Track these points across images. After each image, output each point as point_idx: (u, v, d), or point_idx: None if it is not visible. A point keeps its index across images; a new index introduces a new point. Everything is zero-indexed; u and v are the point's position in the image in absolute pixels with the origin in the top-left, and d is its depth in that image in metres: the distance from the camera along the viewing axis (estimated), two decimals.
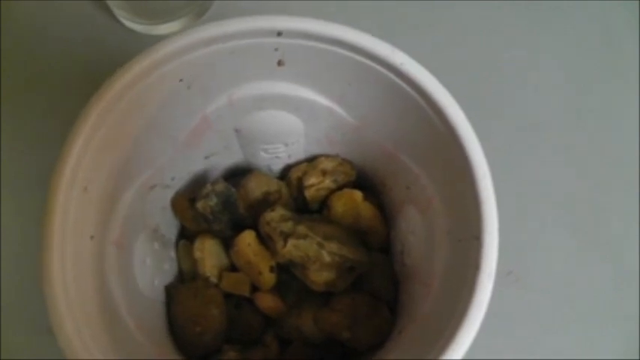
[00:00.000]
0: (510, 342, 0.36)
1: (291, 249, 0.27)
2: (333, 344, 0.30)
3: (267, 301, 0.29)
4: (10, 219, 0.36)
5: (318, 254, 0.27)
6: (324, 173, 0.31)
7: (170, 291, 0.29)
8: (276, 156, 0.32)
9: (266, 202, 0.30)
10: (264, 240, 0.29)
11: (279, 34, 0.23)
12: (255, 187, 0.31)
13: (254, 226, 0.30)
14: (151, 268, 0.28)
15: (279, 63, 0.25)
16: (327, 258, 0.27)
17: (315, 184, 0.31)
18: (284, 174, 0.33)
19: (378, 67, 0.24)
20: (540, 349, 0.36)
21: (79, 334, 0.21)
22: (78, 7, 0.40)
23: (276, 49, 0.24)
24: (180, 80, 0.25)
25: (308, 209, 0.32)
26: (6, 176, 0.37)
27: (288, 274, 0.30)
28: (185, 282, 0.31)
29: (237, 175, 0.32)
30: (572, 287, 0.38)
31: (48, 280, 0.21)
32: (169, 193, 0.31)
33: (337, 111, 0.28)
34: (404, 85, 0.24)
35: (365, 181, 0.32)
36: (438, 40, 0.40)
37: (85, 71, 0.39)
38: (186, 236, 0.32)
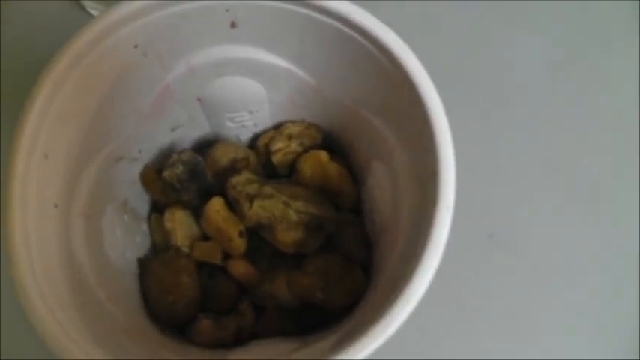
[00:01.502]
0: (488, 303, 0.36)
1: (258, 210, 0.28)
2: (308, 308, 0.30)
3: (240, 268, 0.30)
4: None
5: (284, 213, 0.27)
6: (290, 138, 0.31)
7: (142, 263, 0.30)
8: (242, 125, 0.32)
9: (233, 170, 0.31)
10: (233, 206, 0.29)
11: None
12: (222, 155, 0.31)
13: (223, 195, 0.30)
14: (122, 240, 0.29)
15: (232, 25, 0.26)
16: (293, 216, 0.27)
17: (282, 149, 0.31)
18: (253, 143, 0.34)
19: (329, 20, 0.24)
20: (520, 311, 0.37)
21: (44, 301, 0.21)
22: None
23: (227, 10, 0.25)
24: (135, 47, 0.25)
25: (277, 175, 0.32)
26: None
27: (259, 240, 0.30)
28: (157, 253, 0.31)
29: (206, 147, 0.33)
30: (553, 251, 0.38)
31: (11, 245, 0.21)
32: (138, 167, 0.31)
33: (296, 72, 0.28)
34: (356, 36, 0.24)
35: (332, 144, 0.32)
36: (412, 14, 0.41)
37: None
38: (157, 210, 0.32)
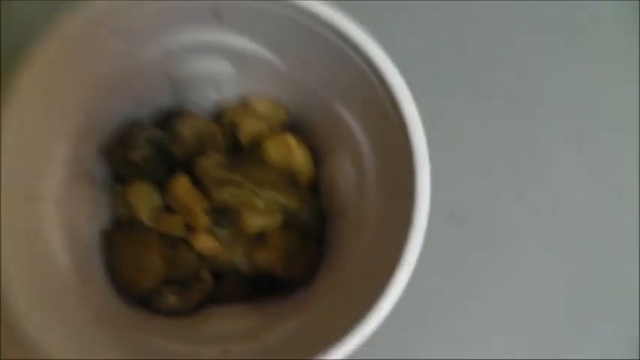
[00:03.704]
0: (451, 283, 0.39)
1: (226, 196, 0.28)
2: (266, 278, 0.32)
3: (204, 242, 0.31)
4: None
5: (252, 201, 0.29)
6: (257, 117, 0.32)
7: (106, 237, 0.30)
8: (206, 97, 0.32)
9: (199, 145, 0.31)
10: (199, 183, 0.30)
11: None
12: (187, 131, 0.31)
13: (188, 168, 0.31)
14: (89, 216, 0.29)
15: (215, 15, 0.25)
16: (260, 205, 0.29)
17: (249, 129, 0.32)
18: (216, 114, 0.34)
19: (307, 20, 0.24)
20: (482, 290, 0.39)
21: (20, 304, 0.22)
22: None
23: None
24: (103, 25, 0.24)
25: (241, 148, 0.33)
26: None
27: (222, 213, 0.31)
28: (121, 227, 0.31)
29: (169, 118, 0.32)
30: (515, 229, 0.40)
31: None
32: (100, 138, 0.30)
33: (269, 57, 0.28)
34: (332, 36, 0.25)
35: (296, 122, 0.33)
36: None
37: None
38: (119, 180, 0.32)
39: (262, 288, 0.32)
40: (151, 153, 0.29)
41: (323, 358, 0.22)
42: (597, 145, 0.42)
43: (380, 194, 0.26)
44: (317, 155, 0.33)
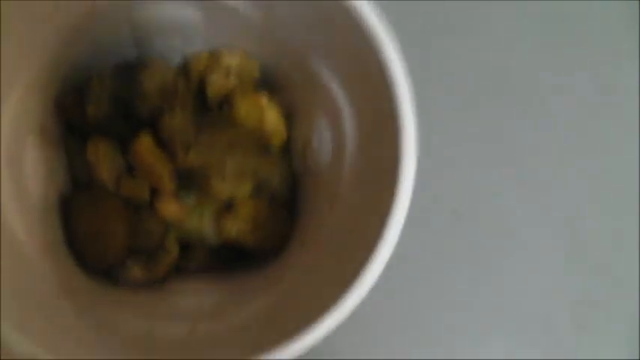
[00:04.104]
0: (452, 278, 0.38)
1: (194, 159, 0.26)
2: (235, 249, 0.30)
3: (168, 207, 0.29)
4: None
5: (221, 166, 0.26)
6: (227, 71, 0.29)
7: (65, 201, 0.28)
8: (171, 46, 0.29)
9: (164, 98, 0.28)
10: (164, 143, 0.28)
11: None
12: (151, 84, 0.28)
13: (151, 125, 0.28)
14: (44, 176, 0.26)
15: None
16: (230, 170, 0.27)
17: (218, 83, 0.29)
18: (182, 65, 0.31)
19: None
20: (482, 285, 0.39)
21: None
22: None
23: None
24: None
25: (208, 106, 0.30)
26: None
27: (187, 177, 0.29)
28: (80, 189, 0.29)
29: (132, 69, 0.30)
30: (516, 226, 0.40)
31: None
32: (54, 89, 0.28)
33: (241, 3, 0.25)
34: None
35: (269, 79, 0.30)
36: None
37: None
38: (74, 133, 0.29)
39: (231, 260, 0.31)
40: (111, 109, 0.26)
41: (294, 342, 0.20)
42: (598, 142, 0.42)
43: (359, 163, 0.24)
44: (290, 115, 0.30)
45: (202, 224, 0.29)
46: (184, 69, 0.31)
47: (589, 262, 0.41)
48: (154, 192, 0.29)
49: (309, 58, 0.26)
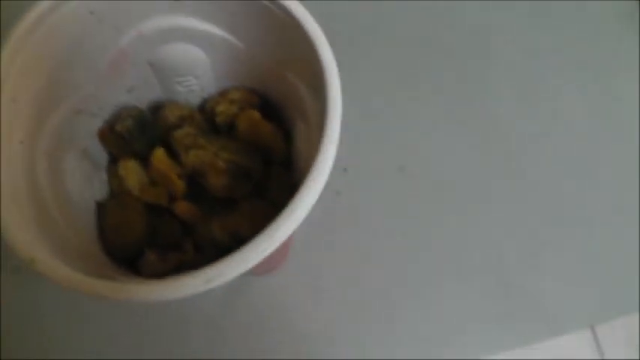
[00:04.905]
0: (399, 229, 0.42)
1: (192, 158, 0.33)
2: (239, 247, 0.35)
3: (182, 207, 0.35)
4: None
5: (213, 161, 0.33)
6: (232, 102, 0.36)
7: (100, 205, 0.34)
8: (190, 90, 0.37)
9: (180, 126, 0.36)
10: (175, 155, 0.34)
11: None
12: (170, 113, 0.36)
13: (166, 144, 0.35)
14: (81, 182, 0.33)
15: None
16: (221, 165, 0.33)
17: (224, 111, 0.36)
18: (200, 107, 0.39)
19: None
20: (426, 230, 0.42)
21: (10, 216, 0.26)
22: None
23: None
24: (91, 13, 0.30)
25: (220, 132, 0.37)
26: None
27: (200, 187, 0.35)
28: (113, 196, 0.36)
29: (159, 109, 0.38)
30: (457, 178, 0.43)
31: None
32: (97, 122, 0.36)
33: (229, 39, 0.33)
34: (274, 9, 0.29)
35: (268, 106, 0.37)
36: None
37: None
38: (114, 161, 0.37)
39: None
40: (133, 126, 0.34)
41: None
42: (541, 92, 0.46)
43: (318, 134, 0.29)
44: (288, 133, 0.37)
45: (211, 227, 0.34)
46: (202, 108, 0.39)
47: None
48: (173, 200, 0.35)
49: (284, 71, 0.33)
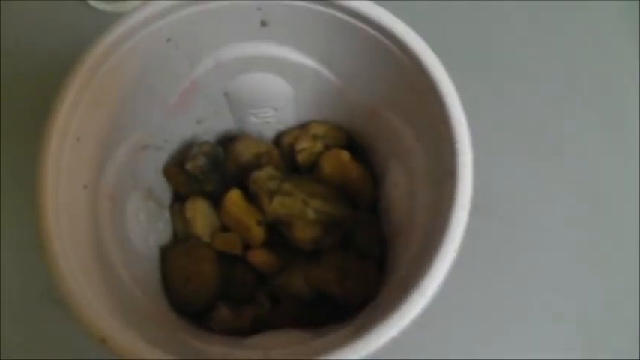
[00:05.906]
0: (479, 274, 0.37)
1: (277, 206, 0.28)
2: (322, 301, 0.31)
3: (259, 257, 0.30)
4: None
5: (302, 211, 0.28)
6: (315, 138, 0.32)
7: (164, 251, 0.31)
8: (266, 121, 0.33)
9: (257, 164, 0.32)
10: (253, 198, 0.30)
11: None
12: (244, 150, 0.32)
13: (244, 186, 0.31)
14: (145, 225, 0.30)
15: (263, 23, 0.26)
16: (311, 215, 0.28)
17: (307, 149, 0.32)
18: (275, 140, 0.34)
19: (357, 23, 0.25)
20: (507, 280, 0.38)
21: (73, 277, 0.22)
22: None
23: (258, 9, 0.26)
24: (168, 40, 0.26)
25: (299, 172, 0.33)
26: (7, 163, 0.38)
27: (278, 234, 0.31)
28: (178, 242, 0.32)
29: (228, 141, 0.34)
30: (539, 219, 0.39)
31: (42, 225, 0.22)
32: (162, 156, 0.32)
33: (321, 71, 0.29)
34: (382, 39, 0.25)
35: (354, 144, 0.33)
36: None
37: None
38: (179, 199, 0.33)
39: (319, 313, 0.31)
40: (206, 165, 0.30)
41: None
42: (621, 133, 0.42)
43: (428, 190, 0.25)
44: (374, 175, 0.32)
45: (291, 278, 0.30)
46: (275, 141, 0.34)
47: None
48: (248, 247, 0.31)
49: (381, 108, 0.28)
